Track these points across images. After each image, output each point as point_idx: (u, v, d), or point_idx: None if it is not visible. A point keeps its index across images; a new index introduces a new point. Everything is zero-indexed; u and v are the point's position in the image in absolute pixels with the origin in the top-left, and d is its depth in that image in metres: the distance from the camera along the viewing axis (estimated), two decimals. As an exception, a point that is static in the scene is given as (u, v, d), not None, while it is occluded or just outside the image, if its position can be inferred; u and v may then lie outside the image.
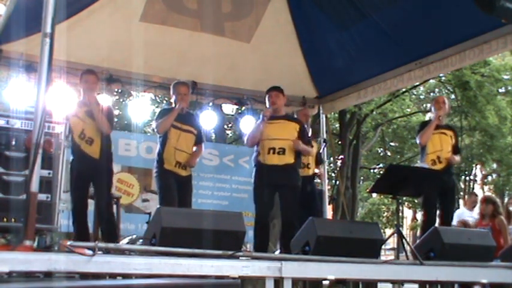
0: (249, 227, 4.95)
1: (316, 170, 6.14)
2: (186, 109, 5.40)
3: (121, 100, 13.14)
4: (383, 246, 4.76)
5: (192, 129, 5.29)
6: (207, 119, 7.27)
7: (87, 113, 4.96)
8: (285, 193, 5.01)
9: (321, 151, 6.58)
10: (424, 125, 5.73)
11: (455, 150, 5.64)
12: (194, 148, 5.33)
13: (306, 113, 6.42)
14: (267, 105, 5.30)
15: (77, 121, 4.97)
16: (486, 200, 6.36)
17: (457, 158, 5.63)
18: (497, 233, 6.02)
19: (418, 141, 5.67)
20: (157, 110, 14.61)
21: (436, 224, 5.38)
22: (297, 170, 5.17)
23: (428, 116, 17.40)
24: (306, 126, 5.64)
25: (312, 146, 5.65)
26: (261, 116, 5.23)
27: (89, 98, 5.00)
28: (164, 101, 13.47)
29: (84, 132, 4.92)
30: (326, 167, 8.08)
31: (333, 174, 14.67)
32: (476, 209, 7.02)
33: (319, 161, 6.23)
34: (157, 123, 5.21)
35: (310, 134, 6.00)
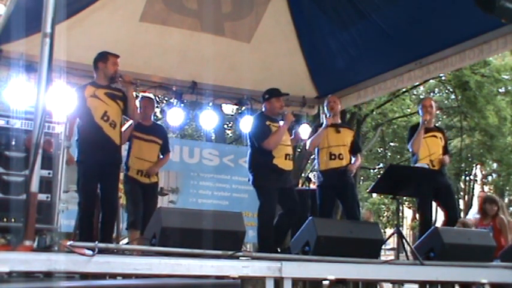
0: (249, 227, 4.96)
1: (353, 160, 5.71)
2: (152, 121, 5.62)
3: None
4: (383, 246, 4.76)
5: (156, 139, 5.50)
6: (207, 119, 7.28)
7: (108, 95, 4.78)
8: (289, 193, 5.13)
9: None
10: (413, 130, 5.61)
11: (445, 151, 5.63)
12: (161, 157, 5.58)
13: (333, 100, 5.81)
14: (264, 107, 5.34)
15: (97, 102, 4.71)
16: (491, 200, 6.36)
17: (447, 158, 5.60)
18: (498, 232, 6.02)
19: (410, 150, 5.60)
20: (157, 110, 14.65)
21: (443, 223, 5.38)
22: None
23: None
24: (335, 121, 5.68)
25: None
26: (285, 121, 5.14)
27: (127, 78, 4.85)
28: (164, 101, 13.45)
29: (108, 114, 4.71)
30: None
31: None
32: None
33: (355, 150, 5.74)
34: None
35: (339, 121, 5.83)
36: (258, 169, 5.15)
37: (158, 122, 6.21)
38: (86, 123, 4.69)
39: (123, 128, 5.18)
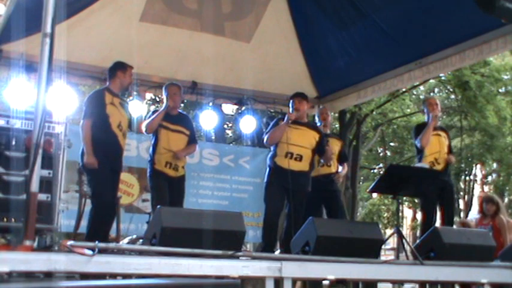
0: (249, 227, 4.97)
1: (340, 169, 5.96)
2: (178, 110, 5.42)
3: (121, 100, 13.11)
4: (383, 246, 4.76)
5: (184, 129, 5.30)
6: (207, 119, 7.28)
7: (121, 105, 4.87)
8: (295, 197, 5.03)
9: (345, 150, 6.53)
10: (420, 127, 5.68)
11: (449, 150, 5.67)
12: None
13: (326, 111, 6.13)
14: (290, 110, 5.34)
15: (114, 110, 4.78)
16: (490, 200, 6.36)
17: (453, 158, 5.67)
18: (497, 232, 6.02)
19: (418, 145, 5.60)
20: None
21: (438, 225, 5.38)
22: (310, 177, 5.29)
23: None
24: (324, 131, 5.75)
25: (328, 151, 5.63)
26: (285, 118, 5.23)
27: (141, 92, 5.10)
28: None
29: (122, 124, 4.80)
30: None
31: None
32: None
33: (342, 160, 5.99)
34: (145, 123, 5.24)
35: (328, 131, 5.99)
36: (267, 167, 5.27)
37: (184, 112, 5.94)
38: (102, 130, 4.69)
39: (152, 116, 5.19)
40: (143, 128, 5.28)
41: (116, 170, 4.84)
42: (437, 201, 5.47)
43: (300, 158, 5.14)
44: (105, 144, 4.68)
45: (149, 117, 5.29)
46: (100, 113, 4.71)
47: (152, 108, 13.23)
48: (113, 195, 4.86)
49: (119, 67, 4.92)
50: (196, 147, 5.59)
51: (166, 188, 5.08)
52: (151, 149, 5.25)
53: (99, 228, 4.56)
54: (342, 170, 5.93)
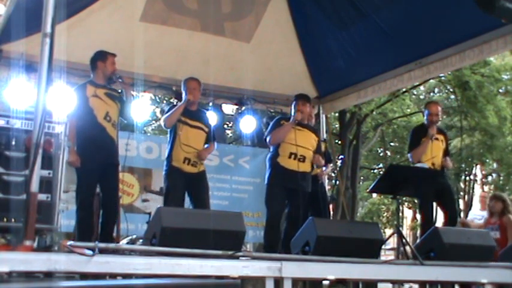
0: (249, 227, 4.97)
1: (324, 168, 6.05)
2: (196, 106, 5.28)
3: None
4: (383, 246, 4.76)
5: (202, 126, 5.18)
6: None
7: (108, 95, 4.76)
8: (296, 198, 5.01)
9: (329, 150, 6.65)
10: (415, 133, 5.70)
11: (446, 153, 5.65)
12: (206, 146, 5.25)
13: (310, 112, 6.21)
14: (292, 111, 5.33)
15: (98, 102, 4.66)
16: (496, 197, 6.36)
17: (449, 162, 5.63)
18: (504, 231, 6.03)
19: (410, 159, 5.64)
20: (157, 110, 14.64)
21: (443, 224, 5.40)
22: (310, 178, 5.28)
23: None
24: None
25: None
26: (291, 119, 5.23)
27: (126, 80, 4.93)
28: (164, 101, 13.45)
29: (109, 114, 4.68)
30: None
31: (333, 174, 14.67)
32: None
33: (326, 160, 6.01)
34: (164, 117, 5.12)
35: None
36: (268, 167, 5.24)
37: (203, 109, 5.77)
38: (88, 124, 4.61)
39: (172, 110, 5.06)
40: (162, 123, 5.20)
41: (111, 164, 4.69)
42: (434, 201, 5.47)
43: (303, 159, 5.14)
44: (93, 139, 4.59)
45: (167, 111, 5.17)
46: (83, 108, 4.62)
47: (153, 108, 13.22)
48: (114, 192, 4.75)
49: (98, 57, 4.83)
50: (215, 145, 5.46)
51: (182, 187, 4.93)
52: (169, 145, 5.09)
53: (85, 227, 4.48)
54: (326, 168, 6.05)
